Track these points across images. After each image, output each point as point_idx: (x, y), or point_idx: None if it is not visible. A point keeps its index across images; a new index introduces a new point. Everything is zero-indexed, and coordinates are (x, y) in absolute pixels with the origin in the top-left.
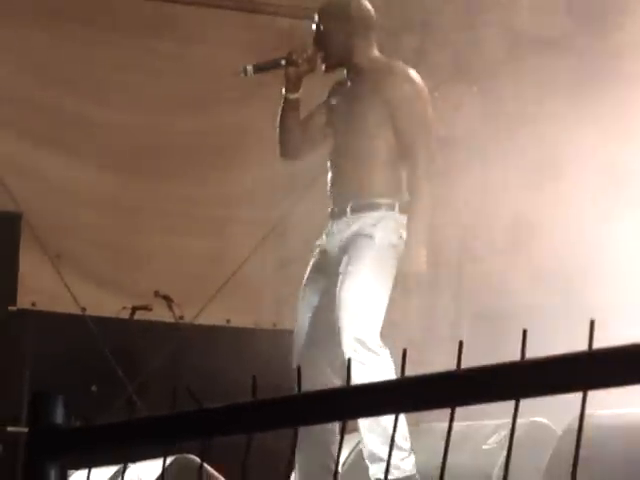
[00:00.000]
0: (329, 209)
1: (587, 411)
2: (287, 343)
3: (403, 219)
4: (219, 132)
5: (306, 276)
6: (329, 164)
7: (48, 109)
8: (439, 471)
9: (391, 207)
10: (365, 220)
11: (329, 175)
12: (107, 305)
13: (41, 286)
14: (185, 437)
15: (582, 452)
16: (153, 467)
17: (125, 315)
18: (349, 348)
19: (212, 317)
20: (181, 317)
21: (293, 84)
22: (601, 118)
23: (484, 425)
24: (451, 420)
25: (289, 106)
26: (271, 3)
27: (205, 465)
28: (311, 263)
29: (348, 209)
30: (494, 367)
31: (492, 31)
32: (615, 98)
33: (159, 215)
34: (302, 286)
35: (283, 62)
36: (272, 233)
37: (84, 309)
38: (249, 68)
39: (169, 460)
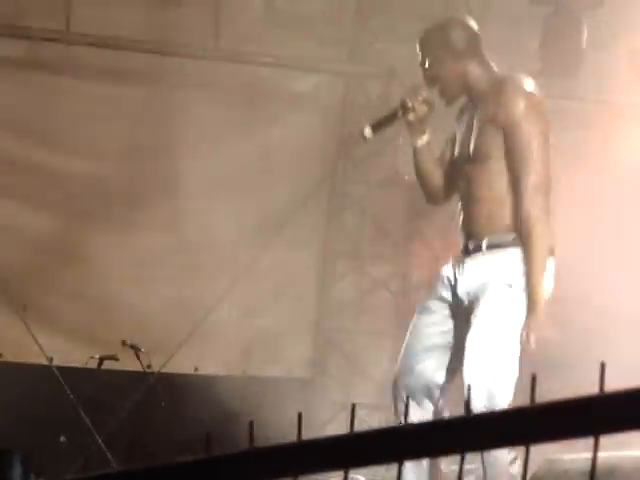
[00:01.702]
0: (462, 244)
1: (555, 456)
2: (257, 389)
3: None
4: (185, 178)
5: (433, 299)
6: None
7: (10, 159)
8: None
9: (516, 242)
10: (500, 261)
11: (460, 209)
12: (74, 355)
13: (7, 337)
14: None
15: None
16: None
17: (93, 365)
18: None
19: (180, 365)
20: (149, 366)
21: (418, 130)
22: None
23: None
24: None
25: (421, 152)
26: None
27: None
28: (438, 290)
29: (484, 246)
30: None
31: None
32: None
33: (125, 264)
34: (423, 306)
35: (400, 113)
36: (240, 280)
37: (51, 359)
38: (367, 131)
39: None
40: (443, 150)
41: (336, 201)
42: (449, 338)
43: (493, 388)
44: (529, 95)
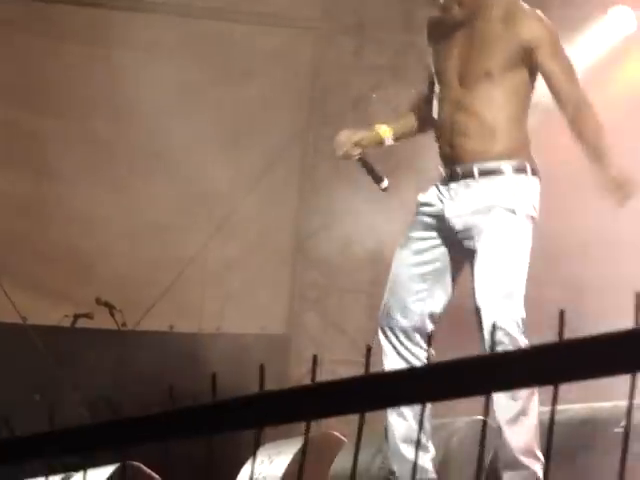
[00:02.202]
0: (441, 170)
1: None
2: (232, 346)
3: (537, 183)
4: (160, 136)
5: (412, 233)
6: (438, 116)
7: None
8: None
9: (523, 169)
10: (499, 188)
11: (440, 131)
12: (49, 314)
13: None
14: (103, 446)
15: None
16: (97, 475)
17: (67, 323)
18: (505, 332)
19: (155, 323)
20: (124, 324)
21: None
22: None
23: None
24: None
25: (395, 139)
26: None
27: (148, 471)
28: (418, 222)
29: (475, 171)
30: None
31: None
32: None
33: (99, 223)
34: (404, 242)
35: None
36: (214, 236)
37: (25, 318)
38: (384, 184)
39: (113, 467)
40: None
41: (309, 157)
42: (437, 265)
43: (507, 317)
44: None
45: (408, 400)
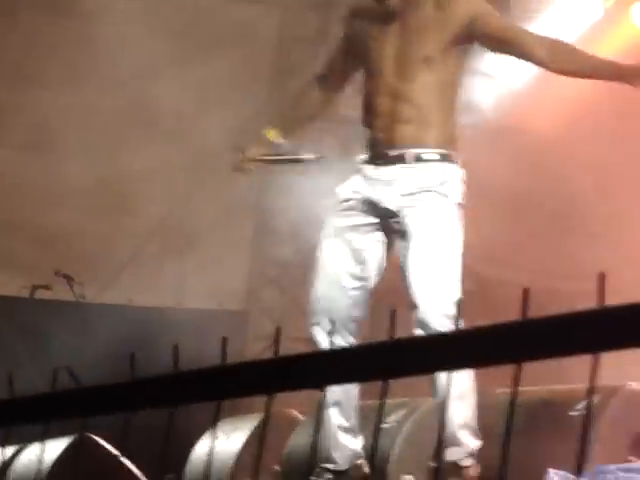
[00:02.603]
0: (368, 152)
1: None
2: (190, 320)
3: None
4: (123, 109)
5: (341, 224)
6: (368, 102)
7: None
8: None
9: (455, 158)
10: (432, 173)
11: (373, 119)
12: (6, 284)
13: None
14: (64, 415)
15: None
16: (53, 446)
17: (25, 294)
18: (438, 322)
19: (114, 296)
20: (82, 296)
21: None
22: None
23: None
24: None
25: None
26: None
27: (103, 442)
28: (345, 212)
29: (411, 156)
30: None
31: None
32: None
33: (60, 193)
34: (331, 234)
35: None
36: (175, 211)
37: None
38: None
39: (69, 439)
40: (333, 59)
41: None
42: (371, 252)
43: (444, 304)
44: None
45: (369, 376)
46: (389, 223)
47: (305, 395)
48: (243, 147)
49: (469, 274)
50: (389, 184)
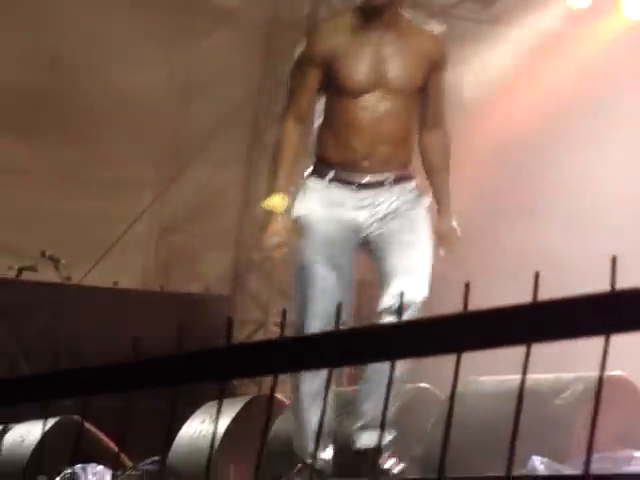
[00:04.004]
0: (355, 179)
1: (470, 377)
2: (175, 305)
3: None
4: (109, 93)
5: (324, 243)
6: (338, 120)
7: None
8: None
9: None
10: (408, 190)
11: (350, 136)
12: None
13: None
14: (64, 395)
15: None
16: (36, 427)
17: (11, 275)
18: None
19: (99, 278)
20: (68, 278)
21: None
22: None
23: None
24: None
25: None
26: None
27: (86, 424)
28: (328, 231)
29: (389, 181)
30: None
31: None
32: None
33: (46, 176)
34: (316, 254)
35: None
36: (162, 195)
37: None
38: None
39: (53, 420)
40: (307, 75)
41: (261, 120)
42: (347, 268)
43: (421, 302)
44: None
45: (379, 357)
46: (362, 240)
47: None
48: (265, 236)
49: None
50: (369, 208)
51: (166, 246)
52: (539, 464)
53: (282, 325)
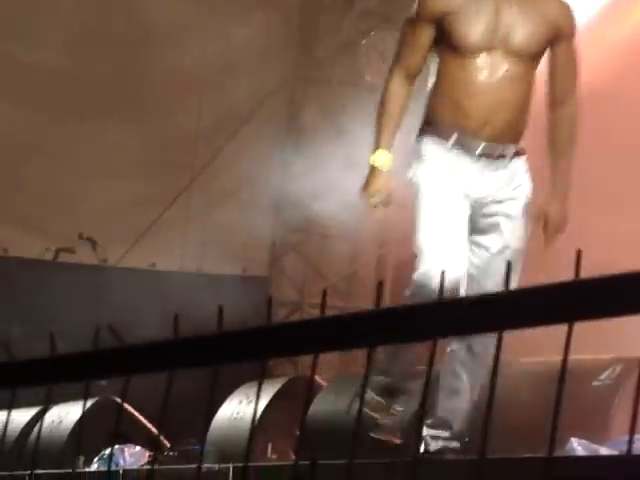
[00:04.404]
0: (475, 146)
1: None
2: (212, 286)
3: None
4: (145, 75)
5: (440, 206)
6: (462, 83)
7: None
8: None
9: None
10: (522, 170)
11: (469, 99)
12: (30, 247)
13: None
14: (106, 374)
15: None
16: (75, 408)
17: (49, 257)
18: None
19: (136, 260)
20: (105, 260)
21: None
22: None
23: None
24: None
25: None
26: None
27: (125, 405)
28: (444, 195)
29: (509, 154)
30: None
31: None
32: None
33: (84, 157)
34: (444, 200)
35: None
36: (199, 176)
37: (6, 250)
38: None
39: (92, 401)
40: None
41: (296, 100)
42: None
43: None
44: None
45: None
46: (475, 210)
47: (326, 362)
48: (367, 192)
49: None
50: (484, 178)
51: (203, 228)
52: (577, 445)
53: (323, 305)
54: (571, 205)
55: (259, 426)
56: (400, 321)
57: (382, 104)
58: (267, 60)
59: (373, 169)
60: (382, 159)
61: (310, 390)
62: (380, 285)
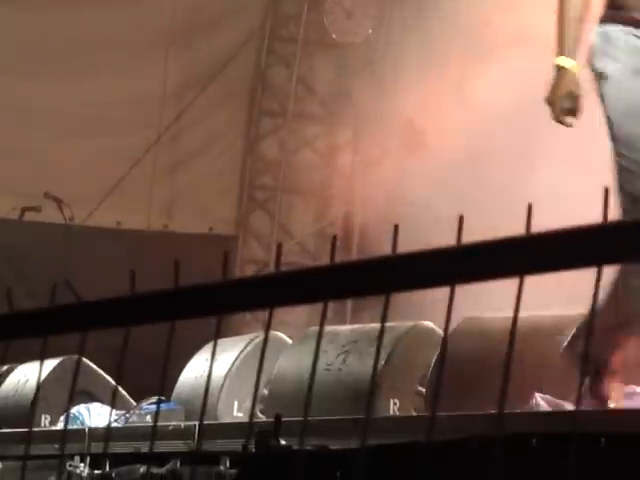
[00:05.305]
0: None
1: (475, 313)
2: (177, 244)
3: None
4: (113, 31)
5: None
6: None
7: None
8: None
9: None
10: None
11: None
12: None
13: None
14: (63, 330)
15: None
16: (44, 367)
17: (14, 216)
18: None
19: (103, 219)
20: (71, 218)
21: None
22: None
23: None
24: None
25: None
26: None
27: (90, 364)
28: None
29: None
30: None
31: None
32: None
33: (49, 116)
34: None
35: None
36: (164, 134)
37: None
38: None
39: (56, 361)
40: None
41: (263, 58)
42: None
43: None
44: None
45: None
46: None
47: (292, 317)
48: (555, 96)
49: None
50: None
51: (169, 186)
52: (541, 400)
53: (278, 260)
54: None
55: (225, 384)
56: (352, 277)
57: (560, 5)
58: (234, 17)
59: (560, 69)
60: (568, 61)
61: (264, 344)
62: (334, 239)
